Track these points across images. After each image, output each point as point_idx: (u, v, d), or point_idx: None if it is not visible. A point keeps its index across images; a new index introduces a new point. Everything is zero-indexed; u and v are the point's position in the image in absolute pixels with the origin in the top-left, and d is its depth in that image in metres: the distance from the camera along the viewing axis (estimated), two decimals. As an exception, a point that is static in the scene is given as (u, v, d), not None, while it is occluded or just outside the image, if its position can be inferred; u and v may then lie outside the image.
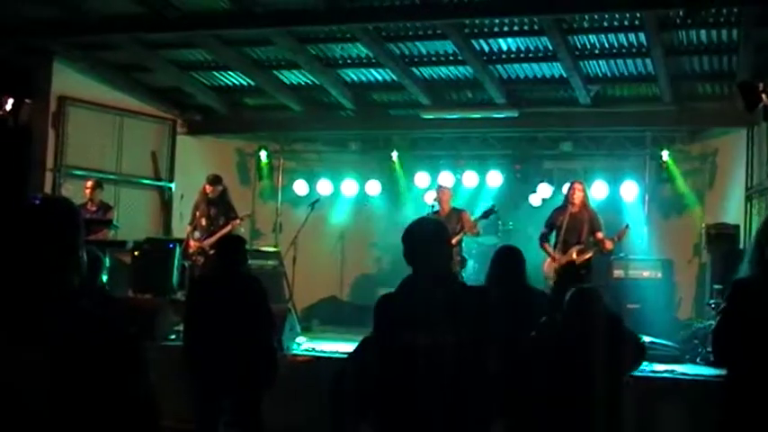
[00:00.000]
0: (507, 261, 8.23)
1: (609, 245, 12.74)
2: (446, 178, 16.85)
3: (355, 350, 5.79)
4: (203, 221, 13.89)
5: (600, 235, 12.77)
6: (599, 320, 6.89)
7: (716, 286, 12.55)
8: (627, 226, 13.25)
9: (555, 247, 12.79)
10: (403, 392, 4.87)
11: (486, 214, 13.84)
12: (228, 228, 13.65)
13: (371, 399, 5.13)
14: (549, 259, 12.77)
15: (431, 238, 5.20)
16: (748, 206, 14.24)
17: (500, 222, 16.52)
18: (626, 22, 12.18)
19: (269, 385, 8.37)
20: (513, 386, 5.81)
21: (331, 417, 6.12)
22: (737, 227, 13.99)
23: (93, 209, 13.98)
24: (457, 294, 5.13)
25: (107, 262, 10.81)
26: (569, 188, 13.09)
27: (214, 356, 8.08)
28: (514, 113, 15.48)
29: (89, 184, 14.26)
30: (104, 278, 13.21)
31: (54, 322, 3.03)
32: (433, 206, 14.16)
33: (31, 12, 13.02)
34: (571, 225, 12.71)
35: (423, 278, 5.10)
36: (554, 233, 12.97)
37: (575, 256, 12.57)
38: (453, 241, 13.51)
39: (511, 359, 5.35)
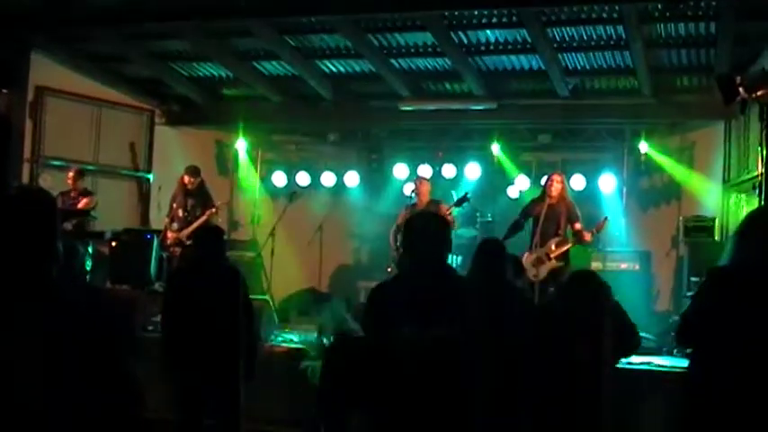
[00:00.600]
0: (491, 255, 8.25)
1: (587, 237, 12.79)
2: (425, 170, 16.87)
3: (335, 345, 5.80)
4: (180, 212, 13.89)
5: (578, 226, 12.82)
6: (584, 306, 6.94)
7: (693, 278, 12.63)
8: (605, 218, 13.30)
9: (532, 238, 12.82)
10: (398, 384, 4.88)
11: (459, 202, 13.91)
12: (204, 217, 13.64)
13: (362, 390, 5.14)
14: (527, 252, 12.79)
15: (430, 230, 5.22)
16: (726, 199, 14.30)
17: (478, 214, 16.53)
18: (605, 15, 12.19)
19: (249, 376, 8.37)
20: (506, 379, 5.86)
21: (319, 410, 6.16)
22: (714, 219, 14.06)
23: (76, 195, 13.95)
24: (454, 287, 5.15)
25: (89, 250, 10.83)
26: (548, 179, 13.11)
27: (193, 347, 8.07)
28: (493, 105, 15.49)
29: (71, 172, 14.22)
30: (89, 265, 13.26)
31: (33, 310, 3.04)
32: (411, 197, 14.18)
33: (8, 2, 12.96)
34: (549, 216, 12.74)
35: (420, 269, 5.12)
36: (529, 222, 13.02)
37: (553, 247, 12.62)
38: None
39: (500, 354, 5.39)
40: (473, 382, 4.92)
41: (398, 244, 14.04)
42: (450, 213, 13.68)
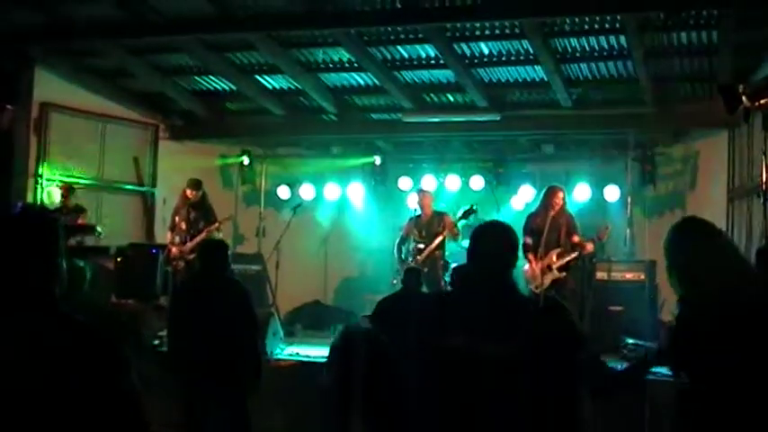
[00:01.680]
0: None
1: (589, 247, 12.79)
2: (428, 182, 16.88)
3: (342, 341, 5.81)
4: (183, 225, 13.90)
5: (576, 238, 12.83)
6: None
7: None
8: (607, 226, 13.30)
9: (535, 250, 12.81)
10: (440, 395, 4.87)
11: (466, 214, 13.95)
12: (205, 233, 13.62)
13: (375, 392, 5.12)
14: (529, 263, 12.79)
15: (491, 242, 5.18)
16: (730, 208, 14.29)
17: (477, 208, 16.52)
18: (607, 25, 12.21)
19: (254, 388, 8.38)
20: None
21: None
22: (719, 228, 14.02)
23: (67, 212, 13.94)
24: (509, 303, 5.11)
25: (88, 270, 10.82)
26: (550, 192, 13.10)
27: (198, 361, 8.08)
28: (496, 117, 15.50)
29: (61, 189, 14.24)
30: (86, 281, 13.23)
31: (36, 328, 3.04)
32: (415, 210, 14.21)
33: (12, 17, 12.99)
34: (551, 228, 12.74)
35: (480, 282, 5.09)
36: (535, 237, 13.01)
37: (554, 258, 12.63)
38: (434, 244, 13.60)
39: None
40: (520, 400, 4.89)
41: (404, 256, 14.06)
42: (456, 225, 13.71)
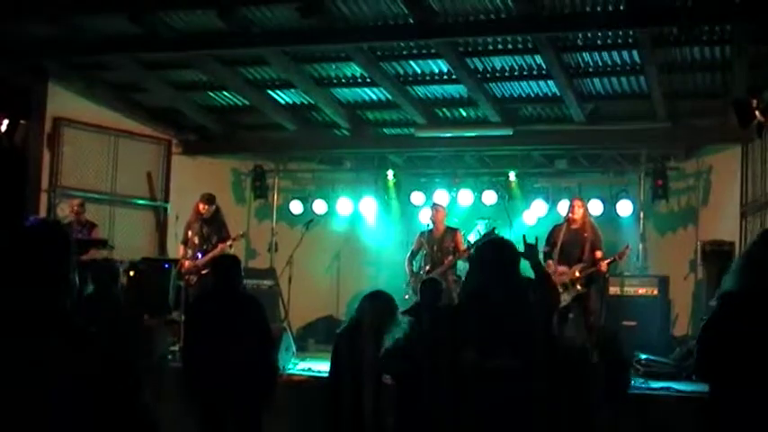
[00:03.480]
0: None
1: (603, 267, 12.74)
2: (441, 197, 16.86)
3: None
4: (196, 240, 13.86)
5: (599, 254, 12.79)
6: None
7: (712, 303, 12.54)
8: (628, 246, 13.25)
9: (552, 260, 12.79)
10: (450, 405, 4.88)
11: (486, 237, 13.91)
12: (218, 249, 13.57)
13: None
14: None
15: (501, 260, 5.21)
16: (743, 223, 14.25)
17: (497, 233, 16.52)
18: (620, 40, 12.21)
19: (268, 404, 8.37)
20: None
21: None
22: (732, 243, 13.98)
23: (79, 227, 13.95)
24: (521, 317, 5.12)
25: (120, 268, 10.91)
26: (570, 205, 13.12)
27: (213, 376, 8.07)
28: (509, 131, 15.50)
29: (74, 204, 14.23)
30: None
31: (47, 341, 3.04)
32: (428, 225, 14.19)
33: (26, 32, 13.04)
34: (570, 241, 12.72)
35: (488, 298, 5.10)
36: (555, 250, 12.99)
37: (577, 274, 12.58)
38: (446, 263, 13.57)
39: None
40: (529, 413, 4.90)
41: (415, 270, 14.03)
42: (464, 243, 13.69)
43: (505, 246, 5.71)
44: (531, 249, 6.02)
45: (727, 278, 5.05)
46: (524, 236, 6.10)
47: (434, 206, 14.60)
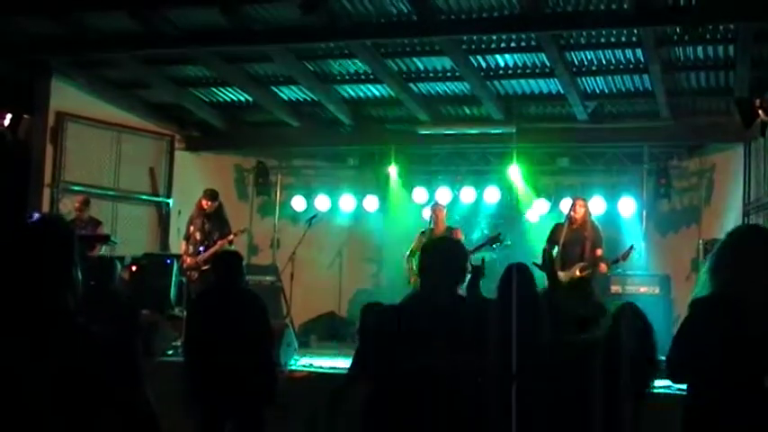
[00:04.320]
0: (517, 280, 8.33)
1: (604, 268, 12.70)
2: (443, 194, 16.86)
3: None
4: (198, 236, 13.84)
5: (599, 252, 12.75)
6: None
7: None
8: (632, 247, 13.19)
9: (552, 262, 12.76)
10: (401, 407, 4.90)
11: (491, 241, 13.92)
12: (219, 245, 13.54)
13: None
14: None
15: (444, 257, 5.25)
16: (746, 222, 14.21)
17: (503, 238, 16.50)
18: (623, 39, 12.21)
19: (269, 400, 8.37)
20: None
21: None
22: (735, 242, 13.94)
23: (83, 225, 13.95)
24: (464, 314, 5.17)
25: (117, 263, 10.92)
26: (571, 204, 13.09)
27: (215, 372, 8.07)
28: (512, 129, 15.49)
29: (78, 200, 14.24)
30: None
31: (49, 338, 3.05)
32: (429, 223, 14.17)
33: (30, 28, 13.07)
34: (572, 241, 12.69)
35: (432, 295, 5.14)
36: (556, 248, 12.96)
37: (578, 273, 12.55)
38: None
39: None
40: (478, 410, 4.93)
41: (416, 269, 14.02)
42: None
43: (451, 242, 5.79)
44: (545, 264, 6.05)
45: (699, 282, 5.05)
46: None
47: (435, 205, 14.57)
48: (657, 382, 6.83)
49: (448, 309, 5.12)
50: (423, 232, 14.16)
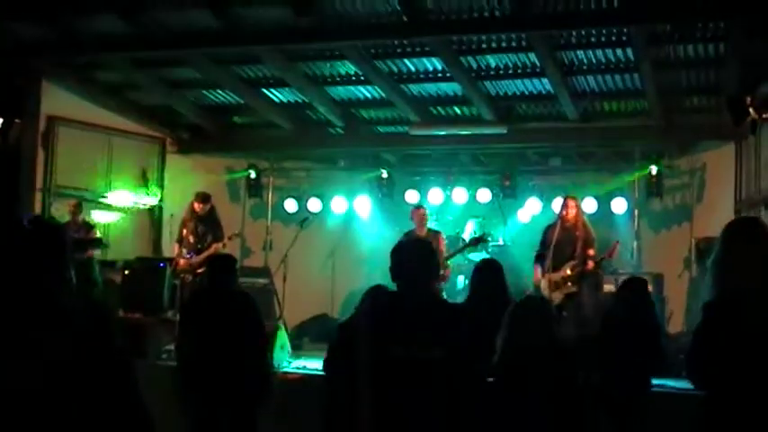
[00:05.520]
0: (487, 275, 8.45)
1: (590, 266, 12.67)
2: (435, 195, 16.91)
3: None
4: (191, 239, 13.82)
5: (591, 252, 12.75)
6: None
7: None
8: (617, 243, 13.22)
9: (545, 262, 12.76)
10: (381, 405, 4.95)
11: (476, 241, 14.00)
12: (212, 249, 13.52)
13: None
14: (541, 276, 12.77)
15: (416, 256, 5.34)
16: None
17: (489, 239, 16.53)
18: (614, 38, 12.22)
19: (263, 402, 8.38)
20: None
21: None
22: (727, 241, 13.96)
23: (76, 228, 13.95)
24: (437, 311, 5.25)
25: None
26: (562, 204, 13.07)
27: (208, 374, 8.08)
28: (503, 130, 15.49)
29: (71, 204, 14.23)
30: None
31: (44, 339, 3.05)
32: (413, 226, 14.22)
33: (20, 31, 13.05)
34: (563, 240, 12.68)
35: (406, 295, 5.21)
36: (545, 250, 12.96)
37: (568, 272, 12.55)
38: None
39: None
40: (459, 401, 4.99)
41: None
42: (446, 247, 13.80)
43: (421, 242, 5.88)
44: None
45: (705, 286, 5.05)
46: None
47: (417, 208, 14.59)
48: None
49: (424, 305, 5.18)
50: (406, 234, 14.18)
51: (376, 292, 7.52)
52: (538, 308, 6.62)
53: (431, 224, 14.67)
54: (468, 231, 16.56)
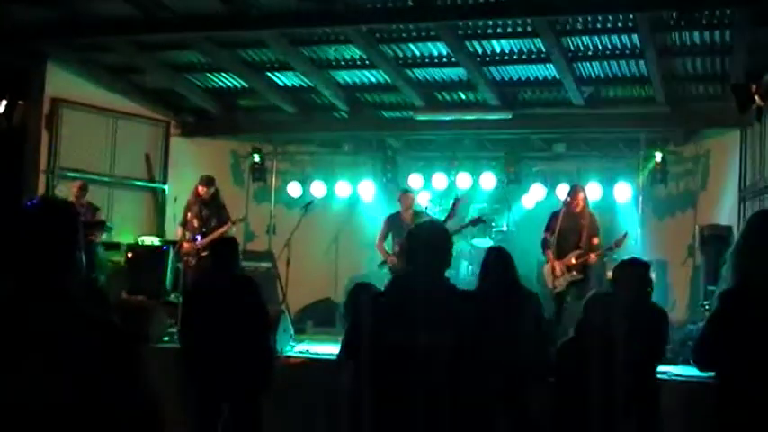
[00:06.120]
0: (497, 263, 8.44)
1: (593, 258, 12.64)
2: (439, 179, 16.92)
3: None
4: (195, 222, 13.80)
5: (596, 241, 12.75)
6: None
7: (710, 287, 12.53)
8: (626, 234, 13.17)
9: (552, 248, 12.77)
10: (390, 389, 4.95)
11: (474, 222, 14.02)
12: (218, 233, 13.51)
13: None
14: (546, 263, 12.78)
15: (430, 242, 5.33)
16: (741, 207, 14.22)
17: (493, 224, 16.54)
18: (619, 24, 12.19)
19: (265, 386, 8.40)
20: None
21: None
22: (730, 228, 13.97)
23: (81, 210, 13.94)
24: (448, 297, 5.24)
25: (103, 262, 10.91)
26: (570, 192, 13.04)
27: (211, 358, 8.09)
28: (508, 115, 15.47)
29: (76, 186, 14.20)
30: (102, 278, 13.30)
31: (52, 322, 3.04)
32: (426, 208, 14.21)
33: (24, 14, 13.02)
34: (568, 228, 12.67)
35: (417, 279, 5.21)
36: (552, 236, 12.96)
37: (573, 260, 12.54)
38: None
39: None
40: (464, 386, 5.00)
41: (388, 251, 14.10)
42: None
43: (437, 228, 5.86)
44: None
45: (724, 274, 5.05)
46: None
47: (405, 192, 14.66)
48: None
49: (435, 292, 5.18)
50: (389, 217, 14.23)
51: (365, 290, 7.55)
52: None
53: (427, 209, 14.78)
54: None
